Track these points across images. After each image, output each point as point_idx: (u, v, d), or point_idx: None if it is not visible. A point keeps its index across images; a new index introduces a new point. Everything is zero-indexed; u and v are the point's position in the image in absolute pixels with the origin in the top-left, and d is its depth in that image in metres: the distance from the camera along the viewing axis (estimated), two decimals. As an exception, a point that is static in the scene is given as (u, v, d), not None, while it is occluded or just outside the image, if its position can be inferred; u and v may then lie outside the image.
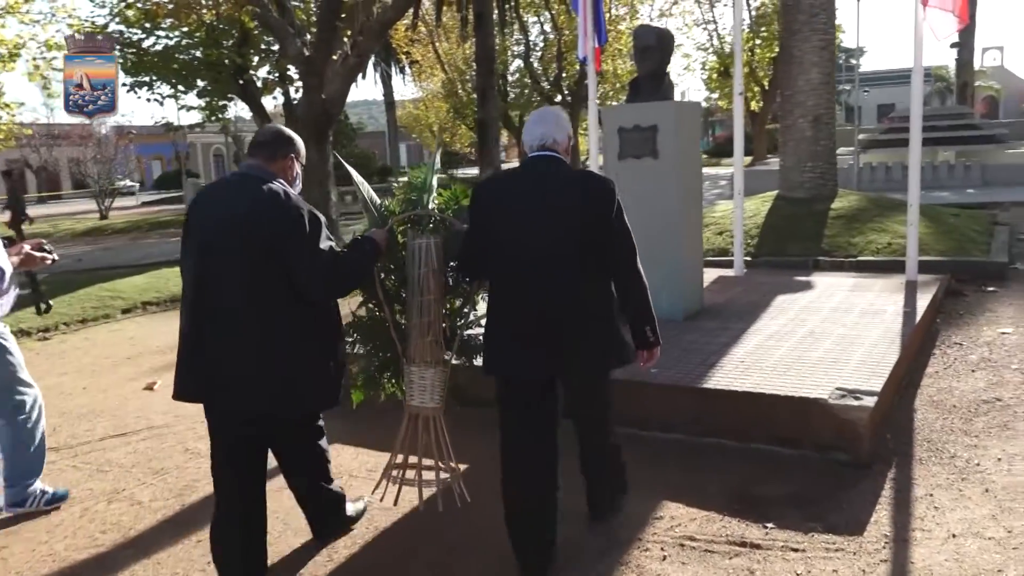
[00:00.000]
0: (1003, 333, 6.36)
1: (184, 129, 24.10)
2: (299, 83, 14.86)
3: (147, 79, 18.73)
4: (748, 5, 33.18)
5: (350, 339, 3.46)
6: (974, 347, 6.05)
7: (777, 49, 32.15)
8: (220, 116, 20.81)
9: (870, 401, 4.20)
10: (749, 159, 34.11)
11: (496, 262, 3.17)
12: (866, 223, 9.68)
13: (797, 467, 4.14)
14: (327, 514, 3.67)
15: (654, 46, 6.05)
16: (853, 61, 46.63)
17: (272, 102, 21.48)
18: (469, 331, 3.49)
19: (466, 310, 3.52)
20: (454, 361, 3.41)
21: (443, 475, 3.33)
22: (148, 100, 19.62)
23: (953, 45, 25.82)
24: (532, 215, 3.10)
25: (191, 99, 19.22)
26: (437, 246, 3.28)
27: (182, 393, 3.18)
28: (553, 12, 31.78)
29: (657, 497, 3.91)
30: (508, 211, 3.15)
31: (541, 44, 35.22)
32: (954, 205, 13.26)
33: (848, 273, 8.46)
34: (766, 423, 4.35)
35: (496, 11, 27.59)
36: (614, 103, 33.68)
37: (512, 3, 29.79)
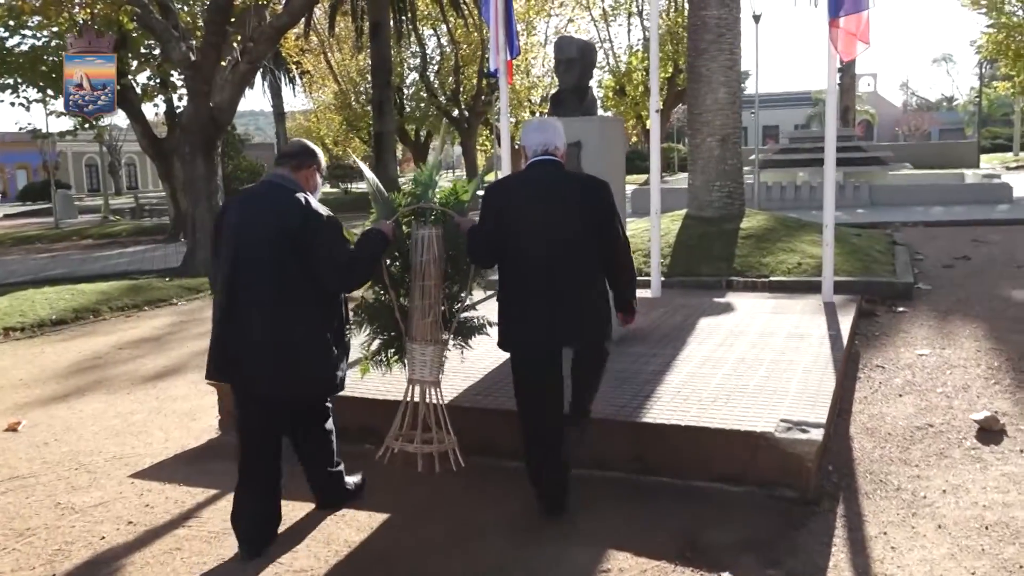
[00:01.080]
0: (921, 355, 6.42)
1: (53, 137, 22.56)
2: (183, 90, 14.01)
3: (11, 81, 17.37)
4: (643, 26, 33.92)
5: (356, 319, 3.92)
6: (896, 370, 6.07)
7: (671, 70, 33.18)
8: (94, 124, 19.48)
9: (817, 434, 4.05)
10: (644, 177, 34.80)
11: (508, 253, 3.70)
12: (775, 243, 9.78)
13: (743, 506, 3.93)
14: (329, 489, 4.00)
15: (576, 59, 5.83)
16: (742, 84, 48.60)
17: (153, 109, 20.31)
18: (465, 314, 3.98)
19: (463, 295, 3.96)
20: (451, 342, 3.93)
21: (440, 442, 3.78)
22: (13, 104, 18.19)
23: (839, 70, 27.15)
24: (540, 211, 3.65)
25: (61, 104, 17.97)
26: (438, 236, 3.76)
27: (213, 374, 3.66)
28: (450, 25, 31.63)
29: (601, 545, 3.62)
30: (518, 208, 3.69)
31: (438, 57, 34.99)
32: (848, 225, 13.70)
33: (762, 294, 8.48)
34: (710, 459, 4.14)
35: (392, 22, 27.18)
36: (512, 119, 33.76)
37: (409, 15, 29.42)
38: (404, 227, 3.87)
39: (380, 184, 3.95)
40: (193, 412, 5.80)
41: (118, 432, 5.46)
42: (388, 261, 3.82)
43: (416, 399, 3.80)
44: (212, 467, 4.70)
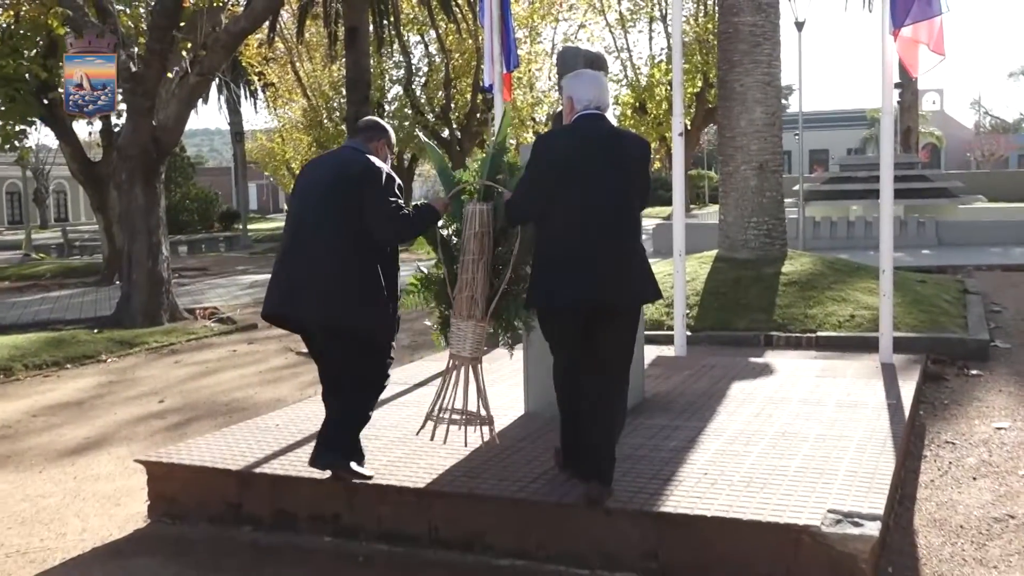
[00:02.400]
0: (999, 428, 6.35)
1: (-32, 159, 22.71)
2: (122, 105, 14.10)
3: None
4: (667, 32, 34.40)
5: (408, 287, 4.84)
6: (969, 447, 5.99)
7: (700, 84, 33.59)
8: (18, 144, 19.60)
9: (873, 528, 3.97)
10: (668, 210, 34.99)
11: (560, 205, 4.28)
12: (823, 291, 9.77)
13: (784, 616, 3.83)
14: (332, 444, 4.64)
15: (584, 73, 5.85)
16: (784, 101, 49.10)
17: (86, 128, 20.46)
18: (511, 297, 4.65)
19: (506, 273, 4.60)
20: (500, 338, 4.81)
21: (476, 420, 4.68)
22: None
23: (896, 85, 27.38)
24: (600, 163, 4.32)
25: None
26: (481, 211, 4.51)
27: (267, 310, 4.75)
28: (440, 31, 32.00)
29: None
30: (577, 158, 4.33)
31: (426, 68, 35.37)
32: (911, 269, 13.70)
33: (807, 352, 8.44)
34: (742, 557, 4.06)
35: (372, 27, 27.53)
36: (512, 140, 34.05)
37: (392, 19, 29.80)
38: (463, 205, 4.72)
39: (445, 158, 5.02)
40: (117, 495, 5.71)
41: (25, 520, 5.37)
42: (446, 233, 4.75)
43: (455, 374, 4.61)
44: (136, 565, 4.61)
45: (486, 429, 4.72)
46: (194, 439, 5.92)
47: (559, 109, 6.22)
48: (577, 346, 4.39)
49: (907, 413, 5.91)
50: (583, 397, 4.39)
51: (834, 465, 4.78)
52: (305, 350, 10.25)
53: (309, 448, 5.32)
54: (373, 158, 4.66)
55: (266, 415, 6.51)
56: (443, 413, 4.65)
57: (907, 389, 6.47)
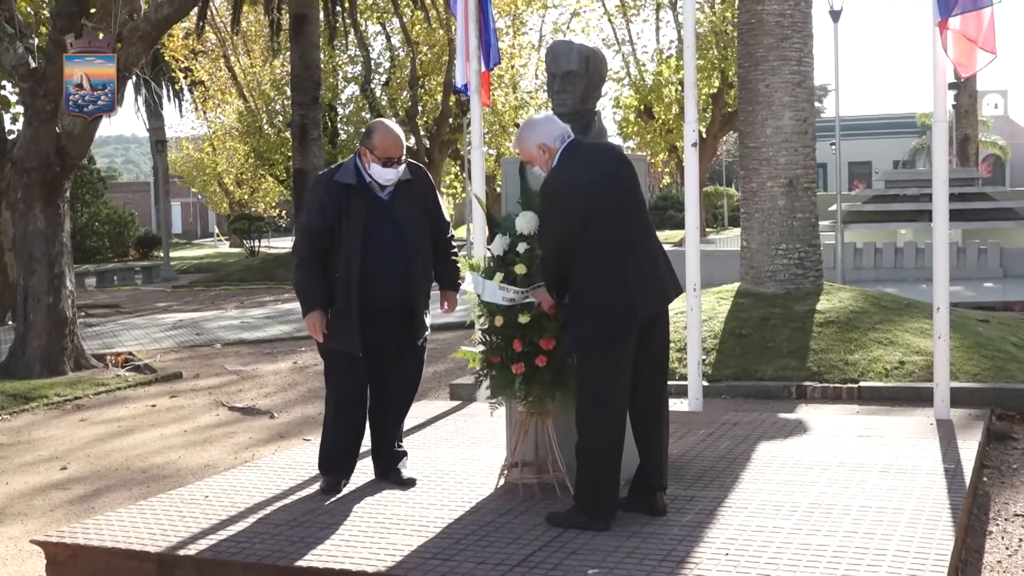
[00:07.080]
0: (1079, 498, 6.40)
1: None
2: (19, 108, 14.13)
3: None
4: (677, 22, 34.77)
5: (490, 340, 5.55)
6: (1043, 521, 6.04)
7: (718, 83, 33.93)
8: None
9: (928, 620, 3.99)
10: (679, 235, 35.18)
11: (605, 224, 5.08)
12: (867, 332, 9.83)
13: None
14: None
15: (578, 72, 5.92)
16: (818, 105, 49.45)
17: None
18: None
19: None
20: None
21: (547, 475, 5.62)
22: None
23: (951, 86, 27.73)
24: (620, 177, 5.31)
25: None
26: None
27: None
28: (405, 20, 32.19)
29: None
30: (602, 179, 5.22)
31: (387, 64, 35.57)
32: (971, 305, 13.81)
33: (848, 406, 8.49)
34: (771, 657, 4.07)
35: (323, 15, 27.71)
36: (492, 150, 34.21)
37: (346, 5, 29.99)
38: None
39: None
40: (9, 584, 5.68)
41: None
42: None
43: (524, 430, 5.58)
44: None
45: (557, 483, 5.54)
46: (104, 515, 5.89)
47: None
48: (632, 351, 5.16)
49: (968, 480, 5.94)
50: (643, 407, 5.32)
51: (881, 544, 4.80)
52: (240, 405, 10.36)
53: (243, 525, 5.33)
54: (329, 171, 5.97)
55: (192, 485, 6.49)
56: (515, 468, 5.67)
57: (968, 451, 6.50)
